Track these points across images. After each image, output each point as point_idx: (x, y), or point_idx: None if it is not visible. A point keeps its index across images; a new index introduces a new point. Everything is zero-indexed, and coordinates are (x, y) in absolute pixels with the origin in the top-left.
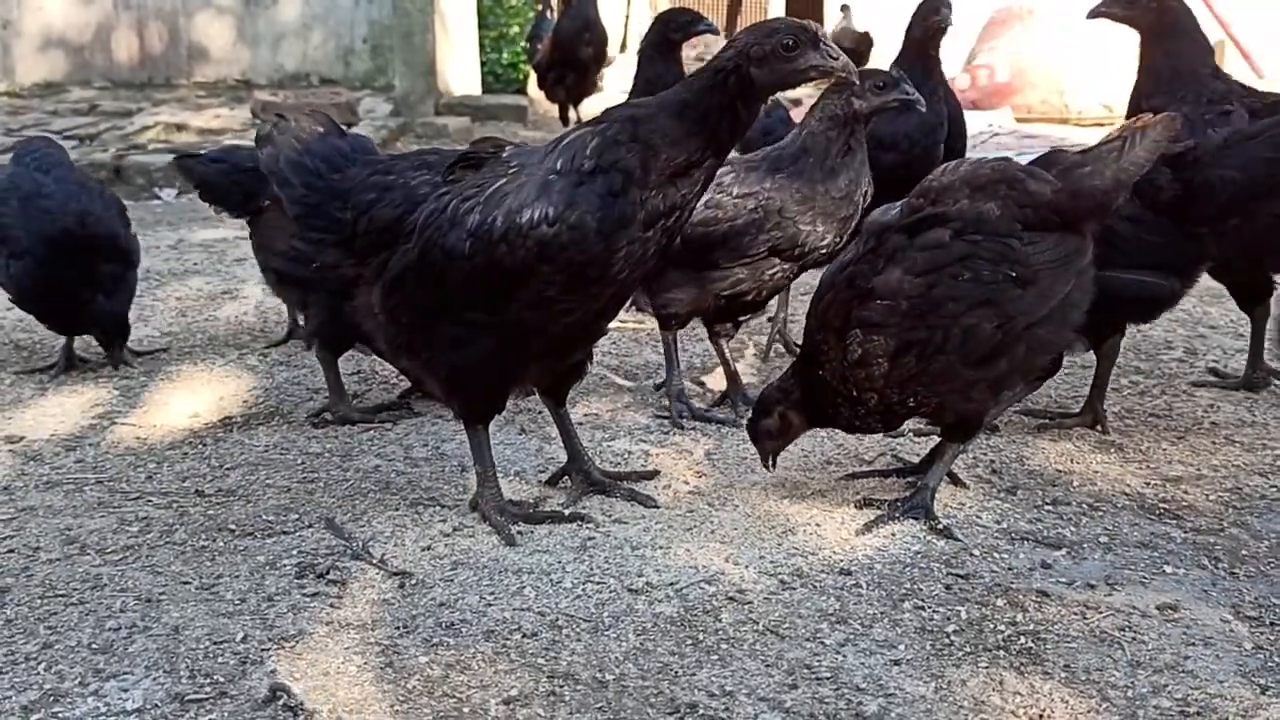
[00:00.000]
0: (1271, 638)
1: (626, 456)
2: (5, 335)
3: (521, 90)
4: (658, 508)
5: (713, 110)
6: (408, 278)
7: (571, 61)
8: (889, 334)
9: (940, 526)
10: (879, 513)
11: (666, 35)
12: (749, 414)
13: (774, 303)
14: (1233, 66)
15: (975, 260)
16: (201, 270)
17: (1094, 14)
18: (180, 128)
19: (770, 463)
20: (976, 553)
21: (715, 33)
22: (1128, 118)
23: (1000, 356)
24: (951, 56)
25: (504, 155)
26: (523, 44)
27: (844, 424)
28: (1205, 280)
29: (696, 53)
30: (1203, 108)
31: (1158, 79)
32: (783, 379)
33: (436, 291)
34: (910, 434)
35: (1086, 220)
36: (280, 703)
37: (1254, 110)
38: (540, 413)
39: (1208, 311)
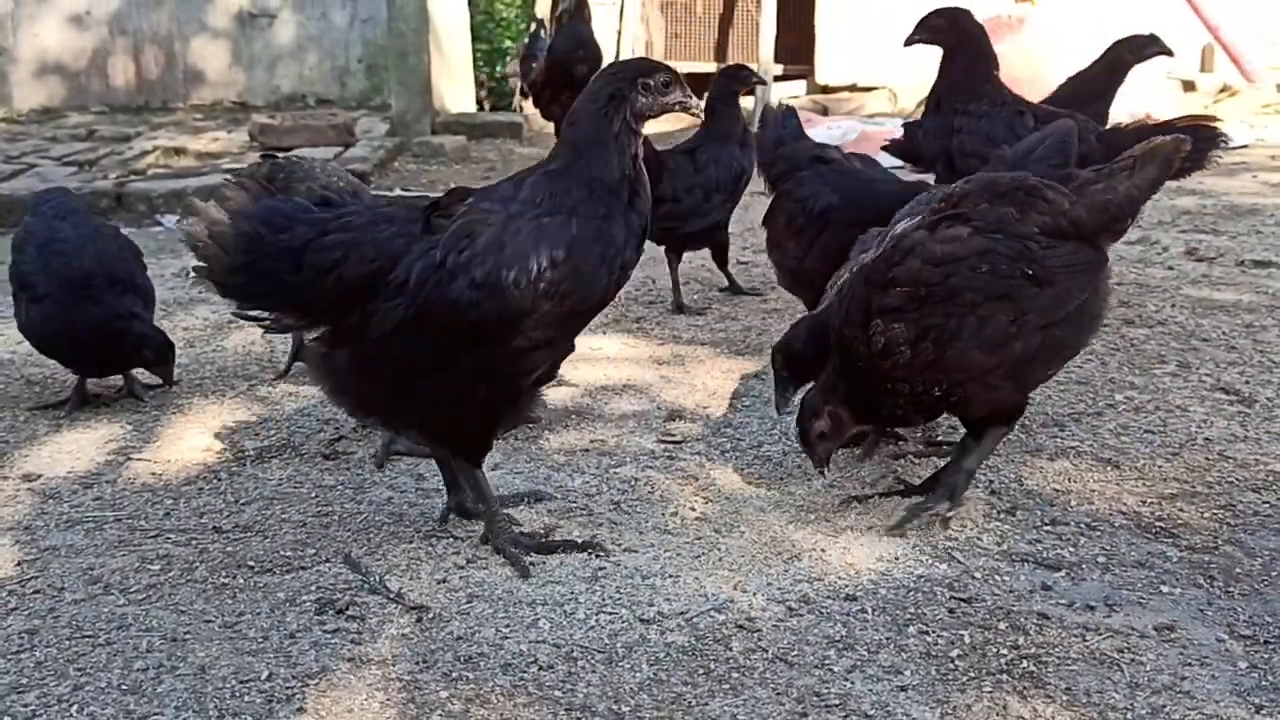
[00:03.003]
0: (1265, 656)
1: (633, 483)
2: (17, 371)
3: (509, 106)
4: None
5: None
6: (399, 334)
7: (567, 79)
8: (909, 320)
9: (949, 516)
10: (914, 499)
11: (732, 87)
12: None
13: None
14: (1223, 70)
15: (993, 255)
16: (207, 299)
17: (909, 42)
18: (179, 151)
19: (824, 468)
20: (978, 575)
21: (763, 83)
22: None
23: (1015, 340)
24: None
25: (477, 203)
26: (510, 58)
27: (887, 416)
28: (1198, 293)
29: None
30: (997, 108)
31: (956, 88)
32: (824, 379)
33: (437, 343)
34: (912, 456)
35: (1101, 235)
36: None
37: (1037, 116)
38: (535, 439)
39: (1200, 324)
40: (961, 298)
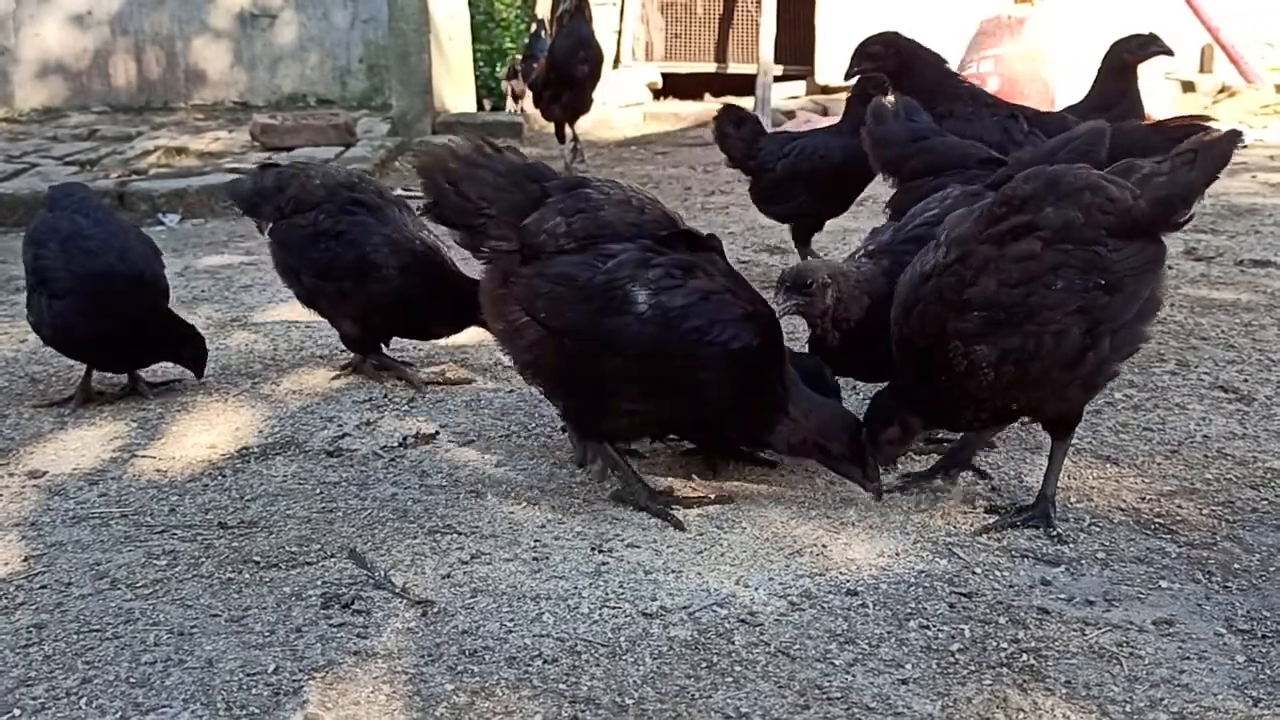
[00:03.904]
0: (1263, 650)
1: None
2: (20, 369)
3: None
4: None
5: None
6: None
7: (567, 80)
8: (989, 343)
9: (1054, 533)
10: (998, 518)
11: (866, 90)
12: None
13: None
14: (1222, 72)
15: (1067, 269)
16: (210, 298)
17: (850, 75)
18: (180, 151)
19: (879, 475)
20: (978, 571)
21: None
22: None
23: (1088, 352)
24: None
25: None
26: (513, 57)
27: (964, 425)
28: (1197, 292)
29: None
30: (984, 110)
31: (934, 94)
32: (896, 386)
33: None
34: (912, 452)
35: (1162, 227)
36: None
37: (1029, 119)
38: (538, 436)
39: (1199, 323)
40: (1040, 316)
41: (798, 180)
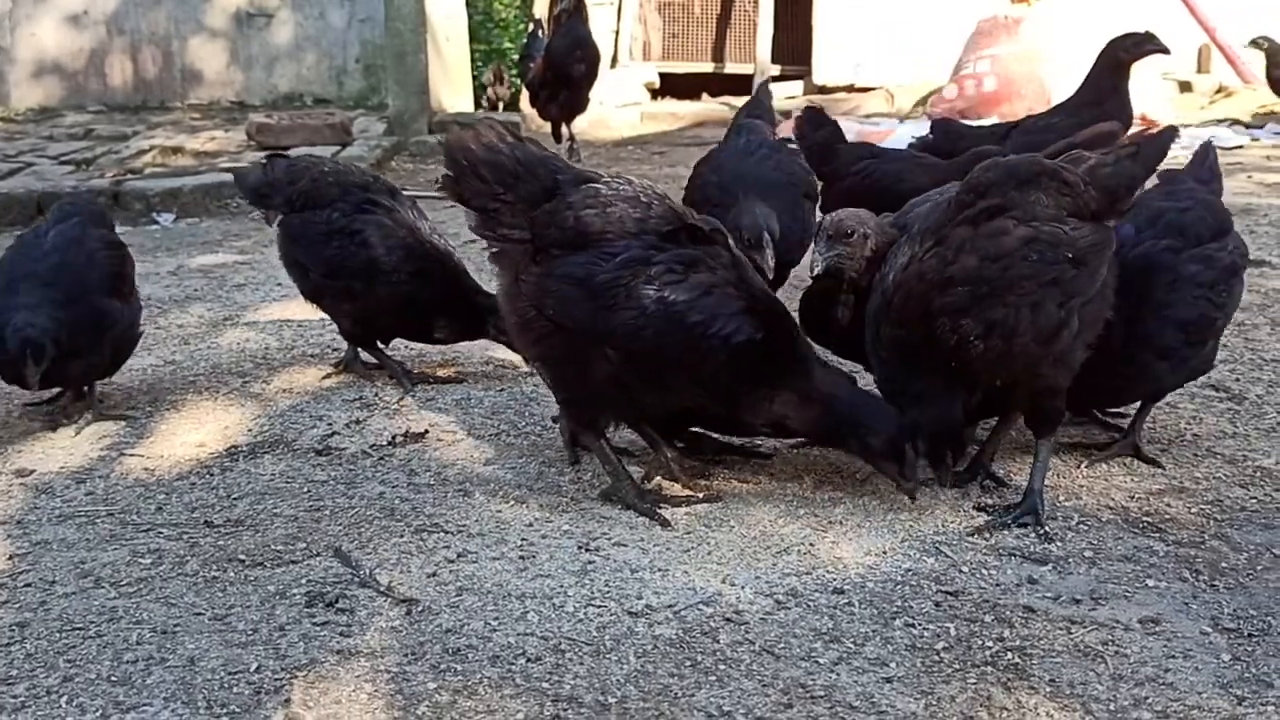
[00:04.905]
0: (1249, 649)
1: None
2: None
3: (511, 105)
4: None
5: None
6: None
7: (564, 79)
8: (975, 317)
9: (1042, 531)
10: (988, 518)
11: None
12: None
13: None
14: (1219, 72)
15: (1038, 243)
16: (202, 297)
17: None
18: (176, 150)
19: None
20: (965, 569)
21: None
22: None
23: (1063, 328)
24: (940, 66)
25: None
26: (506, 62)
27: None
28: None
29: None
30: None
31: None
32: (926, 395)
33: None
34: None
35: (1108, 215)
36: None
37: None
38: (527, 435)
39: None
40: (1020, 288)
41: (854, 201)
